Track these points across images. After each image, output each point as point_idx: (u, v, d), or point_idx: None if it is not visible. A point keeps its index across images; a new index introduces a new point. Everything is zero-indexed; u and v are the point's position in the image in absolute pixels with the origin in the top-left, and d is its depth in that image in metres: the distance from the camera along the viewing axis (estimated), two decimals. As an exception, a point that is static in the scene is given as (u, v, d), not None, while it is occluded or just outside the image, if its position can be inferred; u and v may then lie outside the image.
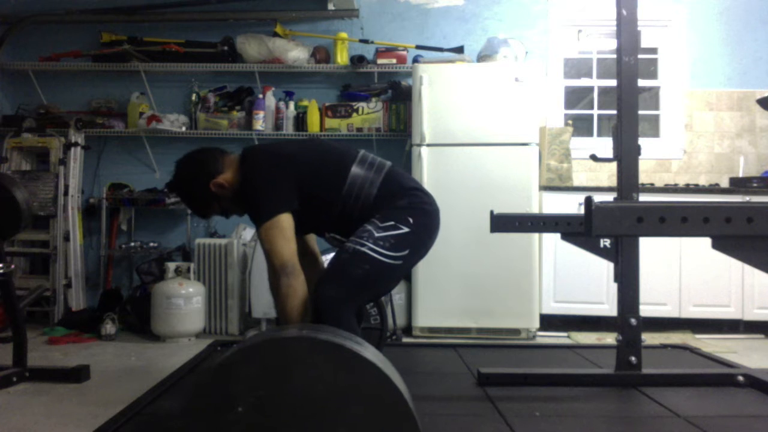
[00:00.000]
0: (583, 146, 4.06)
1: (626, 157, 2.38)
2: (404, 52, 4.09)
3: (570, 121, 4.10)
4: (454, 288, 3.50)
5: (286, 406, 1.20)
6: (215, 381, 1.22)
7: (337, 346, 1.23)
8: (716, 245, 1.44)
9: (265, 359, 1.22)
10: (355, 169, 2.00)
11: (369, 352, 1.29)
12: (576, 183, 4.06)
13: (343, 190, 1.98)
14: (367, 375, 1.22)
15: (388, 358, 1.37)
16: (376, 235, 1.89)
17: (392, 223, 1.92)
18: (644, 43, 4.26)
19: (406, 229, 1.93)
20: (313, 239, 2.33)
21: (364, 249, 1.86)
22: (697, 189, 3.72)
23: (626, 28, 2.34)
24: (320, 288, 1.85)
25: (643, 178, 4.07)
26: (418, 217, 1.97)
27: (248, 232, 3.89)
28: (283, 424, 1.20)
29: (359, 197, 1.98)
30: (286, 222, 1.89)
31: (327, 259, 2.29)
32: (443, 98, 3.54)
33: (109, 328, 3.45)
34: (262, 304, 3.55)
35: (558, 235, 2.71)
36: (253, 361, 1.22)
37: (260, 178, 1.95)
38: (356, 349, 1.24)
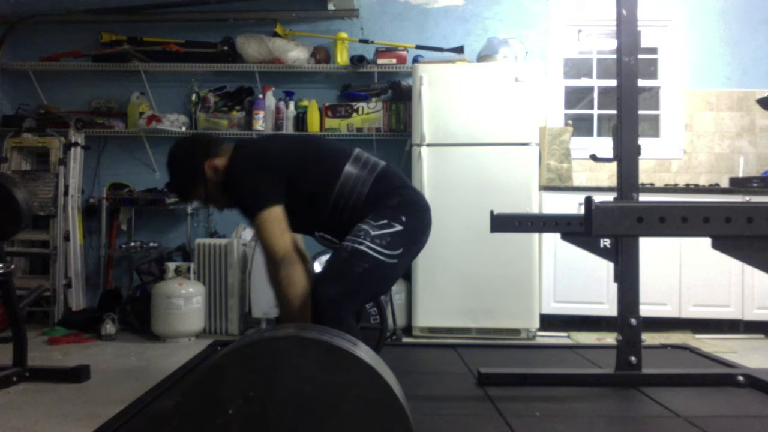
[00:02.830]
0: (583, 146, 4.06)
1: (626, 157, 2.38)
2: (404, 52, 4.09)
3: (570, 121, 4.10)
4: (454, 288, 3.50)
5: (276, 407, 1.19)
6: (205, 384, 1.21)
7: (325, 344, 1.22)
8: (716, 245, 1.44)
9: (253, 360, 1.22)
10: (349, 168, 2.00)
11: (360, 350, 1.28)
12: (576, 183, 4.06)
13: (335, 188, 1.98)
14: (357, 373, 1.21)
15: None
16: (372, 233, 1.89)
17: (386, 221, 1.92)
18: (644, 43, 4.26)
19: (399, 227, 1.92)
20: (299, 239, 2.32)
21: (362, 248, 1.86)
22: (697, 189, 3.72)
23: (626, 28, 2.34)
24: (320, 288, 1.84)
25: (643, 178, 4.07)
26: (410, 216, 1.97)
27: (248, 232, 3.89)
28: (273, 424, 1.19)
29: (351, 196, 1.98)
30: (280, 213, 1.90)
31: (323, 259, 2.29)
32: (443, 98, 3.54)
33: (109, 328, 3.45)
34: (262, 304, 3.55)
35: (558, 235, 2.70)
36: (241, 362, 1.22)
37: (250, 171, 1.94)
38: (345, 346, 1.23)
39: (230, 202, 2.07)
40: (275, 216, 1.88)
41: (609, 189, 3.60)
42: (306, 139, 2.10)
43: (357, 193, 1.98)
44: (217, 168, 2.02)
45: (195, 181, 2.04)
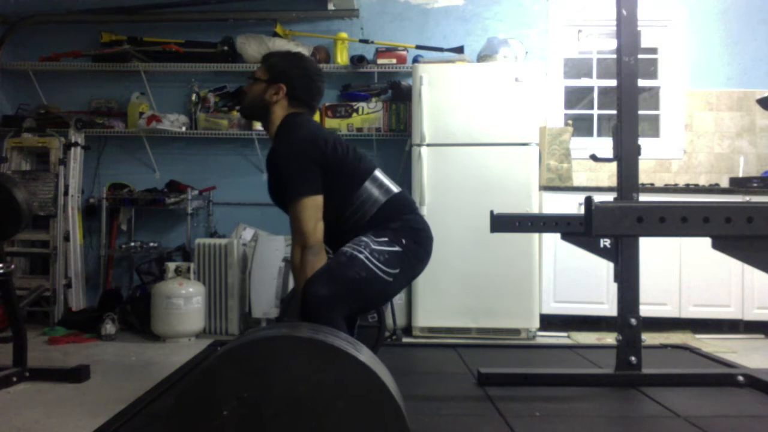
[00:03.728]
0: (583, 146, 4.06)
1: (626, 157, 2.38)
2: (404, 52, 4.09)
3: (570, 121, 4.10)
4: (454, 288, 3.50)
5: (271, 407, 1.19)
6: (200, 385, 1.21)
7: (320, 343, 1.22)
8: (716, 245, 1.44)
9: (248, 361, 1.21)
10: (368, 184, 2.03)
11: (355, 348, 1.28)
12: (576, 183, 4.06)
13: (350, 198, 2.00)
14: (353, 372, 1.21)
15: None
16: (373, 246, 1.91)
17: (387, 239, 1.94)
18: (644, 43, 4.26)
19: (398, 248, 1.94)
20: None
21: (361, 256, 1.88)
22: (697, 189, 3.72)
23: (626, 28, 2.34)
24: (313, 285, 1.83)
25: (643, 178, 4.07)
26: (411, 241, 1.99)
27: (248, 232, 3.89)
28: (269, 424, 1.19)
29: (357, 211, 2.01)
30: (320, 203, 1.94)
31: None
32: (443, 98, 3.54)
33: (109, 328, 3.45)
34: (262, 304, 3.55)
35: (558, 235, 2.71)
36: (235, 363, 1.21)
37: (300, 155, 1.95)
38: (341, 345, 1.23)
39: (251, 117, 2.26)
40: (316, 204, 1.92)
41: (609, 189, 3.60)
42: (346, 143, 2.10)
43: (364, 211, 2.01)
44: (276, 93, 2.06)
45: (267, 78, 2.09)
